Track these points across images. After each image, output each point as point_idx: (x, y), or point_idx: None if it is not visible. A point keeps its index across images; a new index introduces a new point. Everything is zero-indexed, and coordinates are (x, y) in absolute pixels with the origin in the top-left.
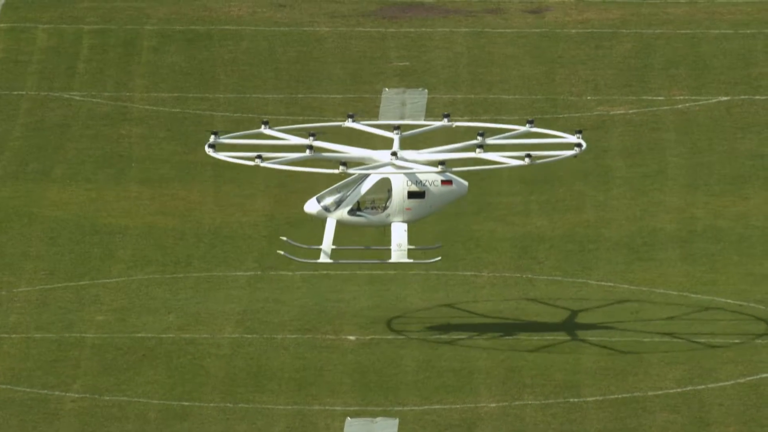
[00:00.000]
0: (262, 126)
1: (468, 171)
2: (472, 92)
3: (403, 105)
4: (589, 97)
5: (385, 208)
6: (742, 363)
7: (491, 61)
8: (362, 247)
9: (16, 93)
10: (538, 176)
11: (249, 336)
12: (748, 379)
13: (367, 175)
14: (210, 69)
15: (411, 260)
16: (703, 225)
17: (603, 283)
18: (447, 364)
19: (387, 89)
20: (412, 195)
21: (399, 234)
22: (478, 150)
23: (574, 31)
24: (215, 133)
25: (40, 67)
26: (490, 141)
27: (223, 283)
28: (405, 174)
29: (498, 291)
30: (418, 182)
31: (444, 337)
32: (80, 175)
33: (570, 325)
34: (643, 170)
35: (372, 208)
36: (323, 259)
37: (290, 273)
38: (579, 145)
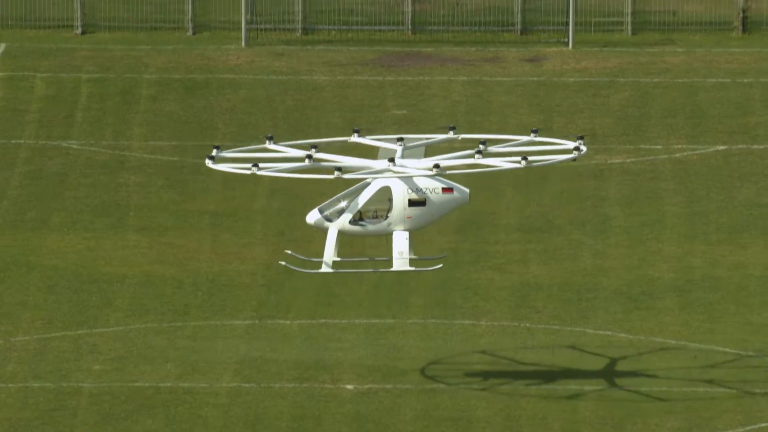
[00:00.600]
0: (267, 141)
1: (463, 173)
2: (469, 141)
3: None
4: (586, 146)
5: (387, 216)
6: (741, 412)
7: (489, 110)
8: (366, 258)
9: (14, 142)
10: (535, 225)
11: (247, 385)
12: (747, 428)
13: (367, 184)
14: (208, 117)
15: (413, 268)
16: (701, 274)
17: (601, 332)
18: (445, 413)
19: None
20: (412, 203)
21: (400, 242)
22: (477, 156)
23: (571, 79)
24: (217, 147)
25: (39, 116)
26: (491, 149)
27: (220, 331)
28: (403, 180)
29: (496, 340)
30: (418, 190)
31: (442, 386)
32: (78, 224)
33: (568, 374)
34: (641, 219)
35: (374, 217)
36: (324, 269)
37: (288, 322)
38: (578, 148)
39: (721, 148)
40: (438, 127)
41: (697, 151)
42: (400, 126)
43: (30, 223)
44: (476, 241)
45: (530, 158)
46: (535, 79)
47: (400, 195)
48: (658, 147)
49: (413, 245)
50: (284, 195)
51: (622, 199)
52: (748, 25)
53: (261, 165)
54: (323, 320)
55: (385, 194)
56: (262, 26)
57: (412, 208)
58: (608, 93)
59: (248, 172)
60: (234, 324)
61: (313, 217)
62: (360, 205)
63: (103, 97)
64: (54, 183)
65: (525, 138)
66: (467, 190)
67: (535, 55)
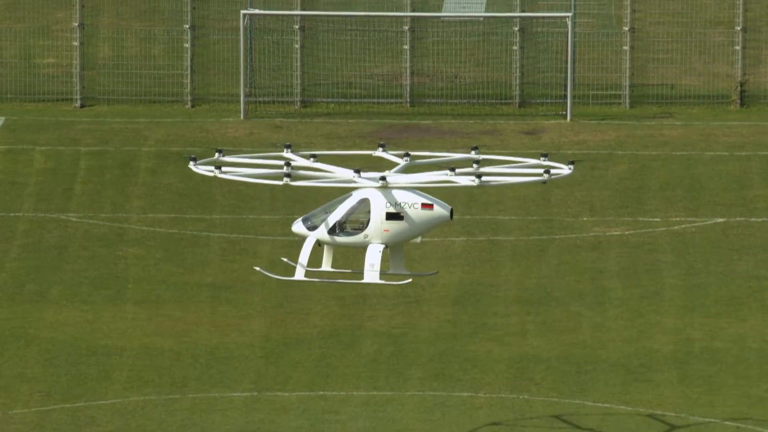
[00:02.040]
0: (285, 150)
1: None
2: (468, 213)
3: None
4: (585, 219)
5: (364, 229)
6: None
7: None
8: (342, 270)
9: (12, 214)
10: (534, 297)
11: None
12: None
13: (349, 195)
14: (207, 190)
15: (382, 282)
16: (700, 346)
17: (600, 404)
18: None
19: None
20: (390, 216)
21: (373, 255)
22: (450, 173)
23: (569, 152)
24: (219, 151)
25: (37, 189)
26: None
27: (219, 404)
28: (383, 193)
29: (495, 412)
30: (396, 204)
31: None
32: (77, 297)
33: None
34: (640, 291)
35: (353, 229)
36: (298, 275)
37: (286, 394)
38: (548, 171)
39: (720, 220)
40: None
41: (696, 224)
42: None
43: (28, 295)
44: (475, 312)
45: (485, 178)
46: (533, 151)
47: (378, 208)
48: (657, 219)
49: (407, 263)
50: (283, 267)
51: (620, 271)
52: (745, 98)
53: (224, 168)
54: (321, 392)
55: (366, 207)
56: (261, 99)
57: (390, 222)
58: (606, 165)
59: (211, 174)
60: (232, 396)
61: (296, 226)
62: (339, 217)
63: (102, 169)
64: (52, 256)
65: (533, 161)
66: (448, 208)
67: (534, 128)
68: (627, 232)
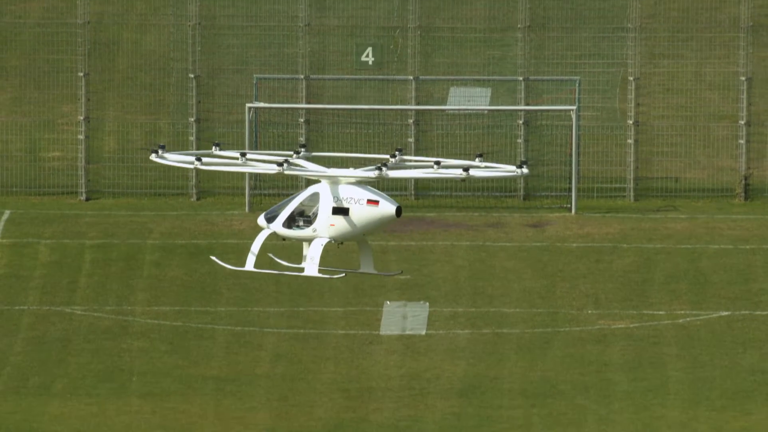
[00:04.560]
0: (213, 148)
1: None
2: (473, 305)
3: (405, 318)
4: (590, 311)
5: (313, 222)
6: None
7: (492, 275)
8: (295, 265)
9: (17, 308)
10: (539, 390)
11: None
12: None
13: (304, 189)
14: (211, 282)
15: (319, 275)
16: None
17: None
18: None
19: (388, 302)
20: (336, 211)
21: (314, 248)
22: (435, 166)
23: (574, 245)
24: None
25: (42, 282)
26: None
27: None
28: (330, 188)
29: None
30: (345, 199)
31: None
32: (81, 390)
33: None
34: (645, 384)
35: (304, 223)
36: (248, 266)
37: None
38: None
39: (725, 314)
40: (440, 293)
41: (701, 317)
42: (403, 291)
43: (33, 389)
44: (479, 405)
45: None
46: (538, 244)
47: (326, 202)
48: (662, 312)
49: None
50: (287, 360)
51: (625, 364)
52: (750, 192)
53: (204, 159)
54: None
55: (317, 200)
56: (266, 192)
57: (336, 216)
58: (611, 258)
59: (191, 166)
60: None
61: (260, 218)
62: (291, 210)
63: (107, 262)
64: (57, 349)
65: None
66: (395, 205)
67: (538, 221)
68: (632, 325)
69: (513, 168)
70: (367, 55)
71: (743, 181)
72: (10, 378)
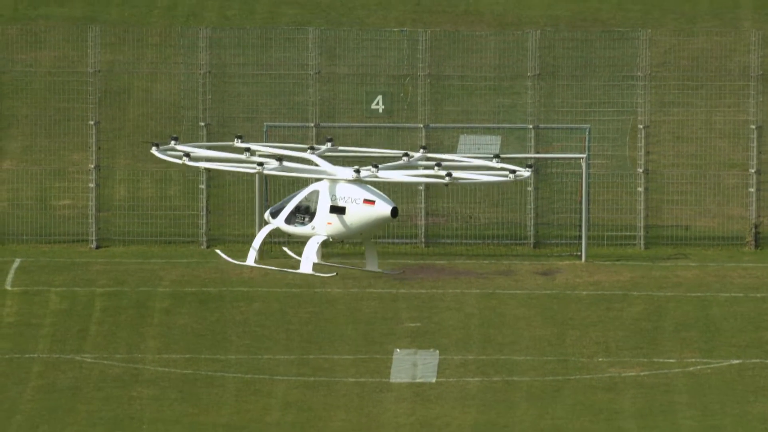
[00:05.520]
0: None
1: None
2: (483, 353)
3: (415, 366)
4: (600, 359)
5: (312, 220)
6: None
7: (502, 323)
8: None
9: (27, 356)
10: None
11: None
12: None
13: (305, 186)
14: (222, 330)
15: (313, 273)
16: None
17: None
18: None
19: (398, 350)
20: (333, 209)
21: (310, 246)
22: (436, 168)
23: (584, 292)
24: (156, 144)
25: (52, 330)
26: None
27: None
28: (329, 187)
29: None
30: (342, 197)
31: None
32: None
33: None
34: None
35: (304, 220)
36: (249, 261)
37: None
38: (513, 171)
39: (735, 362)
40: (450, 341)
41: (711, 365)
42: (413, 338)
43: None
44: None
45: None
46: (548, 292)
47: (324, 200)
48: (672, 360)
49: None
50: (297, 408)
51: (636, 412)
52: (760, 240)
53: (192, 155)
54: None
55: (317, 198)
56: (276, 240)
57: (333, 215)
58: (621, 306)
59: (180, 161)
60: None
61: (266, 214)
62: (293, 207)
63: (117, 310)
64: (67, 397)
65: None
66: (391, 205)
67: (548, 269)
68: (642, 373)
69: (506, 172)
70: (377, 103)
71: (753, 230)
72: (20, 427)
